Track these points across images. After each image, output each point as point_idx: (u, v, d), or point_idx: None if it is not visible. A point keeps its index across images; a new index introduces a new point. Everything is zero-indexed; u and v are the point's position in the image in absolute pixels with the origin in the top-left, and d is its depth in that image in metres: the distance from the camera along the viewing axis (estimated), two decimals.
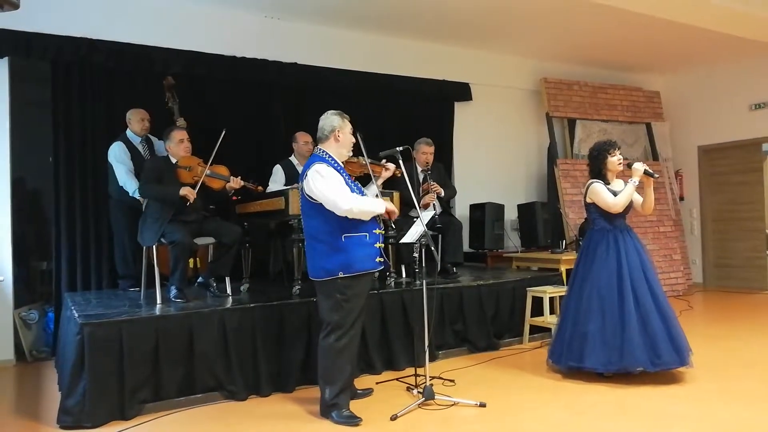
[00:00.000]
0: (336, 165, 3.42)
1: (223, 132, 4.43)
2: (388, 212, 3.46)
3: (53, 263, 5.10)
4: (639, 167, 4.02)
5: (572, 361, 3.97)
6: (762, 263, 7.98)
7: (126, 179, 4.81)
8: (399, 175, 3.92)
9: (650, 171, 4.05)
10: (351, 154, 3.60)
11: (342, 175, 3.40)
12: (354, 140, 3.54)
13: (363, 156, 3.76)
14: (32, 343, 5.07)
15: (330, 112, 3.53)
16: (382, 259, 3.46)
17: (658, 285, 3.98)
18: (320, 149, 3.48)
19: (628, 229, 4.12)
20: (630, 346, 3.77)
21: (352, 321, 3.41)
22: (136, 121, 5.00)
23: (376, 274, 3.68)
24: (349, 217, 3.30)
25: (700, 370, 4.02)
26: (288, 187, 4.76)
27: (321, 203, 3.31)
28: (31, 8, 4.65)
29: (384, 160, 3.97)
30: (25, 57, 4.96)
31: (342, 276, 3.32)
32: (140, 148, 5.01)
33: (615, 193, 4.04)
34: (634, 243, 4.05)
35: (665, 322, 3.85)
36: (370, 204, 3.39)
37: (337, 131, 3.45)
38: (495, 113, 7.50)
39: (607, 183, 4.11)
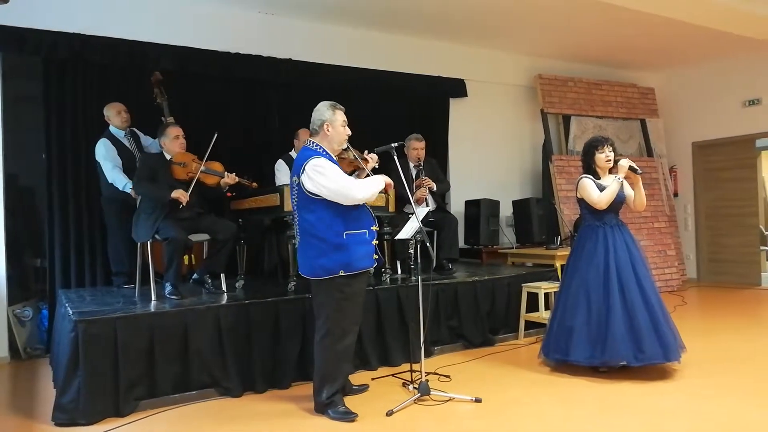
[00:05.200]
0: (331, 159, 3.38)
1: (215, 136, 4.40)
2: (389, 185, 3.50)
3: (47, 260, 5.07)
4: (624, 164, 4.04)
5: (558, 353, 4.03)
6: (755, 258, 8.03)
7: (114, 175, 4.78)
8: (377, 166, 3.88)
9: (635, 167, 4.07)
10: (345, 147, 3.53)
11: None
12: (348, 133, 3.45)
13: (351, 150, 3.73)
14: (26, 341, 5.05)
15: (322, 103, 3.46)
16: (377, 256, 3.46)
17: (648, 280, 4.00)
18: (312, 142, 3.43)
19: (620, 225, 4.14)
20: (613, 340, 3.80)
21: (352, 320, 3.40)
22: (114, 116, 4.95)
23: (372, 271, 3.68)
24: (362, 203, 3.33)
25: (693, 364, 4.04)
26: (283, 183, 4.77)
27: (321, 198, 3.27)
28: (23, 3, 4.63)
29: (366, 152, 3.87)
30: (18, 53, 4.92)
31: (342, 274, 3.28)
32: (126, 142, 4.96)
33: (603, 188, 4.06)
34: (625, 238, 4.07)
35: (652, 317, 3.87)
36: (375, 184, 3.39)
37: (326, 125, 3.38)
38: (490, 109, 7.51)
39: (597, 178, 4.13)
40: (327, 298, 3.34)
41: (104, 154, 4.83)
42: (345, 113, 3.48)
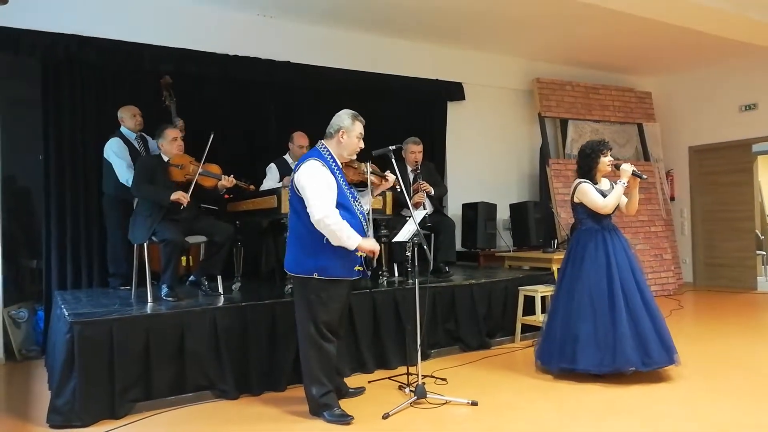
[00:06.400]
0: (333, 165, 3.36)
1: (212, 136, 4.39)
2: (368, 251, 3.29)
3: (43, 261, 5.06)
4: (627, 168, 4.02)
5: (565, 362, 3.94)
6: (751, 263, 8.06)
7: (128, 175, 4.77)
8: (399, 189, 3.84)
9: (638, 172, 4.06)
10: (353, 158, 3.53)
11: (336, 177, 3.33)
12: (360, 147, 3.46)
13: (366, 164, 3.72)
14: (22, 342, 5.03)
15: (345, 111, 3.46)
16: (361, 269, 3.40)
17: (645, 284, 4.00)
18: (322, 144, 3.44)
19: (615, 229, 4.14)
20: (622, 346, 3.77)
21: (328, 325, 3.36)
22: (128, 118, 4.98)
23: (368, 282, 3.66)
24: (317, 228, 3.18)
25: (689, 368, 4.04)
26: (280, 185, 4.76)
27: None
28: (21, 4, 4.62)
29: (387, 171, 3.82)
30: (15, 54, 4.91)
31: (317, 277, 3.29)
32: (136, 144, 4.99)
33: (602, 193, 4.05)
34: (622, 243, 4.07)
35: (653, 321, 3.87)
36: (344, 232, 3.18)
37: (342, 132, 3.39)
38: (488, 113, 7.52)
39: (594, 183, 4.11)
40: (301, 297, 3.36)
41: (117, 151, 4.84)
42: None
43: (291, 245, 3.42)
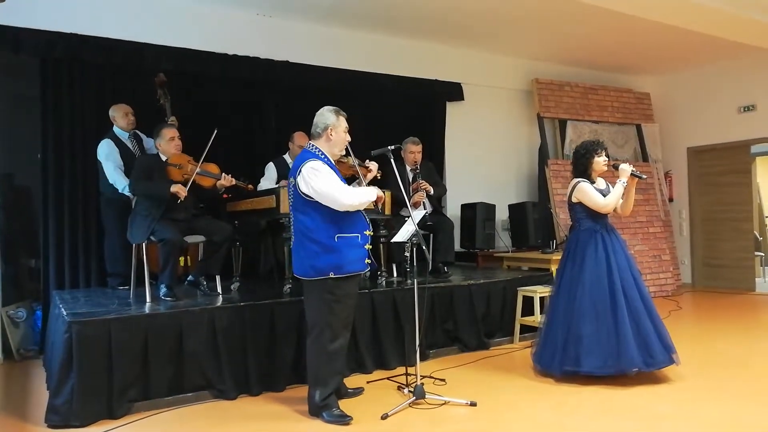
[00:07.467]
0: (329, 162, 3.39)
1: (215, 132, 4.39)
2: (379, 197, 3.49)
3: (41, 261, 5.05)
4: (626, 168, 4.03)
5: (568, 365, 3.90)
6: (750, 264, 8.06)
7: (115, 176, 4.77)
8: (379, 176, 3.92)
9: (637, 172, 4.06)
10: (343, 153, 3.57)
11: (335, 173, 3.38)
12: (348, 140, 3.49)
13: (351, 156, 3.74)
14: (20, 342, 5.02)
15: (326, 108, 3.48)
16: (369, 261, 3.47)
17: (643, 284, 4.01)
18: (312, 145, 3.45)
19: (613, 230, 4.14)
20: (626, 347, 3.75)
21: (344, 322, 3.40)
22: (120, 117, 4.95)
23: (366, 274, 3.68)
24: (351, 210, 3.31)
25: (687, 369, 4.04)
26: (278, 185, 4.76)
27: (315, 201, 3.29)
28: (20, 3, 4.62)
29: (368, 161, 3.90)
30: (14, 52, 4.90)
31: (333, 276, 3.30)
32: (129, 144, 4.97)
33: (600, 192, 4.05)
34: (620, 243, 4.07)
35: (653, 321, 3.87)
36: (366, 194, 3.38)
37: (330, 129, 3.41)
38: (486, 113, 7.52)
39: (591, 182, 4.11)
40: (317, 299, 3.36)
41: (107, 154, 4.83)
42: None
43: (300, 249, 3.39)
